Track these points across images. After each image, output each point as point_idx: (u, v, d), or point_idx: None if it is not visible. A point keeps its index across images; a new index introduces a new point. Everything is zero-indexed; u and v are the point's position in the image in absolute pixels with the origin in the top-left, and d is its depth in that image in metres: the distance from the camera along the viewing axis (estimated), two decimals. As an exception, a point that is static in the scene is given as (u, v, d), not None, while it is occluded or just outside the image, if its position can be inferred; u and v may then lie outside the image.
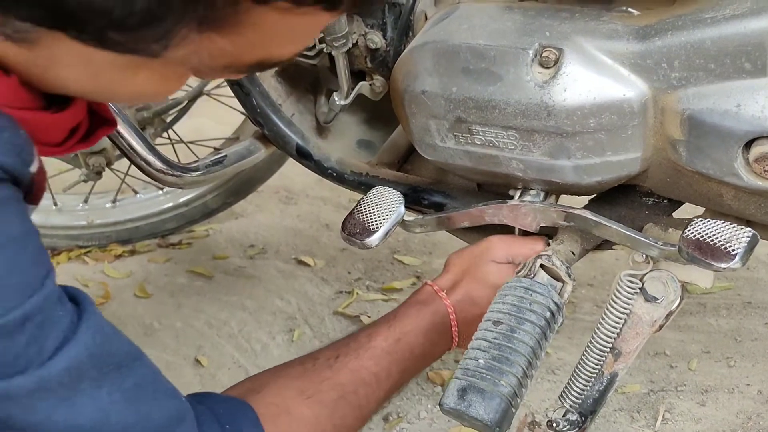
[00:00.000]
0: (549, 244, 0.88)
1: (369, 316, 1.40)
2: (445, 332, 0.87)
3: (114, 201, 1.70)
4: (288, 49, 0.54)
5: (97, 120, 0.61)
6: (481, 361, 0.76)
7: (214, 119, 2.15)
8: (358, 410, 0.78)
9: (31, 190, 0.57)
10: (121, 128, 0.91)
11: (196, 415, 0.65)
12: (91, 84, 0.54)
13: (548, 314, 0.79)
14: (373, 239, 0.90)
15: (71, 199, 1.69)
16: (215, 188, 1.70)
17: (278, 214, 1.89)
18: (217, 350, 1.35)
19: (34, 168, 0.55)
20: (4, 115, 0.52)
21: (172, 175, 0.93)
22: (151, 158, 0.92)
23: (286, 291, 1.51)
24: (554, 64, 0.75)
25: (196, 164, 0.99)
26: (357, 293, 1.48)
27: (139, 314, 1.46)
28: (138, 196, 1.72)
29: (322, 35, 0.96)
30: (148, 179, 1.66)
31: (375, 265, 1.60)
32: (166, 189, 1.71)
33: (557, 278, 0.83)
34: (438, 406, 0.77)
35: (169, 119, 1.54)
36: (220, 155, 1.02)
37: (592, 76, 0.74)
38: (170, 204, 1.72)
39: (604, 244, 0.91)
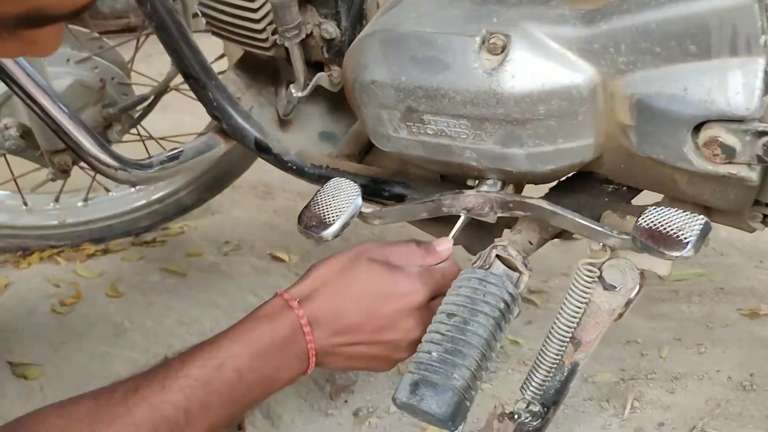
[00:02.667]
0: (419, 244, 0.82)
1: (341, 311, 1.38)
2: (295, 354, 0.74)
3: (86, 200, 1.68)
4: None
5: None
6: (434, 354, 0.75)
7: (190, 114, 2.13)
8: None
9: None
10: (68, 124, 0.89)
11: None
12: None
13: (503, 305, 0.77)
14: (329, 232, 0.88)
15: (42, 198, 1.67)
16: (189, 184, 1.68)
17: (255, 209, 1.87)
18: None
19: None
20: None
21: (123, 170, 0.92)
22: (100, 155, 0.90)
23: (260, 287, 1.50)
24: (502, 51, 0.74)
25: (150, 160, 0.97)
26: (330, 287, 1.47)
27: (109, 314, 1.45)
28: (110, 194, 1.70)
29: (274, 26, 0.94)
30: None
31: (349, 258, 1.59)
32: (139, 186, 1.69)
33: (513, 268, 0.82)
34: (392, 401, 0.76)
35: (136, 115, 1.52)
36: (176, 151, 1.00)
37: (540, 62, 0.73)
38: (143, 201, 1.70)
39: (564, 234, 0.89)
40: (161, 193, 1.69)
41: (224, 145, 1.05)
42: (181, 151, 1.00)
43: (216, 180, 1.69)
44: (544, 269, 1.47)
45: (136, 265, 1.63)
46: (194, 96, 1.55)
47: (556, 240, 1.50)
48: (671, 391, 1.10)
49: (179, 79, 1.50)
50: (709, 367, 1.14)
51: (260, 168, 1.88)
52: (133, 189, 1.69)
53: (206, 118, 1.77)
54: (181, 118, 2.06)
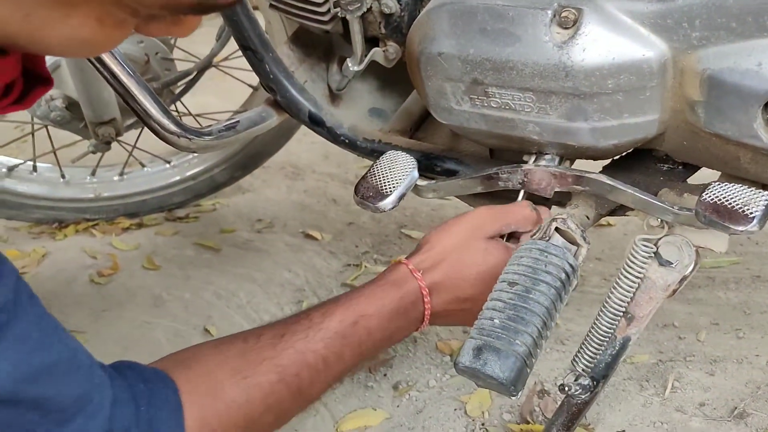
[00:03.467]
0: (534, 208, 0.87)
1: (377, 288, 1.40)
2: (415, 317, 0.81)
3: (121, 174, 1.70)
4: None
5: (33, 80, 0.56)
6: (496, 321, 0.76)
7: (220, 97, 2.15)
8: (297, 394, 0.74)
9: None
10: (136, 91, 0.91)
11: (114, 393, 0.62)
12: (22, 26, 0.47)
13: (563, 276, 0.79)
14: (387, 203, 0.90)
15: (79, 171, 1.69)
16: (222, 162, 1.70)
17: (285, 189, 1.89)
18: (226, 320, 1.35)
19: None
20: None
21: (186, 138, 0.93)
22: (165, 121, 0.92)
23: (294, 264, 1.52)
24: (573, 25, 0.75)
25: (209, 128, 0.99)
26: (365, 266, 1.48)
27: (148, 285, 1.47)
28: (145, 169, 1.72)
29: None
30: (155, 152, 1.68)
31: (382, 239, 1.61)
32: (174, 162, 1.71)
33: (572, 241, 0.83)
34: (453, 366, 0.77)
35: (177, 91, 1.54)
36: (232, 120, 1.01)
37: (612, 37, 0.74)
38: (177, 177, 1.72)
39: (618, 210, 0.91)
40: (195, 170, 1.72)
41: (277, 117, 1.07)
42: (238, 121, 1.02)
43: (248, 159, 1.71)
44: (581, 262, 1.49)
45: (171, 240, 1.65)
46: (233, 75, 1.59)
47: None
48: (711, 374, 1.11)
49: (220, 56, 1.53)
50: (748, 352, 1.15)
51: (288, 150, 1.90)
52: (167, 165, 1.71)
53: (229, 100, 1.80)
54: (206, 99, 2.08)
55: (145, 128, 0.96)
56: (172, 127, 0.92)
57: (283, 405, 0.73)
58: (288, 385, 0.72)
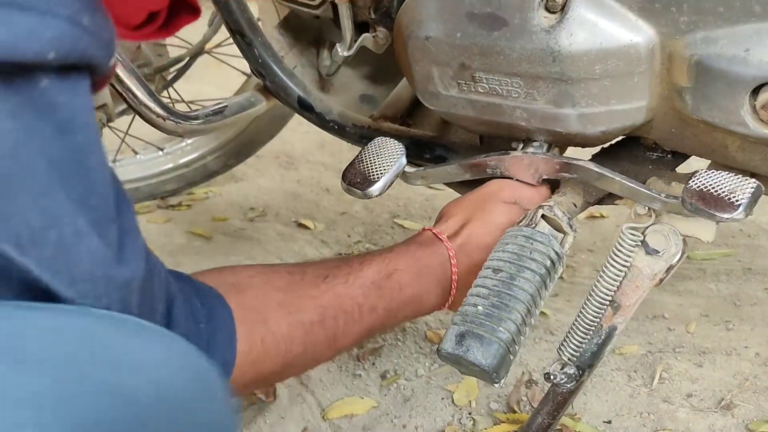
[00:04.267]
0: (552, 193, 0.87)
1: (368, 277, 1.39)
2: (442, 280, 0.81)
3: (114, 161, 1.69)
4: None
5: (178, 8, 0.54)
6: (480, 307, 0.76)
7: (213, 85, 2.14)
8: (332, 339, 0.73)
9: (99, 83, 0.49)
10: (122, 73, 0.90)
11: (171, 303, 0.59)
12: None
13: (548, 263, 0.78)
14: (374, 189, 0.89)
15: (70, 157, 1.68)
16: (215, 150, 1.69)
17: (278, 178, 1.89)
18: (216, 308, 1.34)
19: (113, 60, 0.48)
20: None
21: (172, 121, 0.92)
22: (151, 104, 0.91)
23: (286, 252, 1.51)
24: (561, 9, 0.74)
25: (196, 113, 0.98)
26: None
27: (137, 272, 1.46)
28: (138, 156, 1.71)
29: (326, -17, 0.95)
30: (148, 139, 1.67)
31: (375, 228, 1.60)
32: (166, 150, 1.70)
33: (558, 229, 0.83)
34: (436, 353, 0.77)
35: (169, 77, 1.53)
36: (220, 105, 1.01)
37: (599, 21, 0.73)
38: (170, 165, 1.71)
39: (606, 198, 0.90)
40: (188, 158, 1.71)
41: (266, 103, 1.06)
42: (225, 106, 1.01)
43: (242, 147, 1.70)
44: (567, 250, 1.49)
45: (163, 228, 1.65)
46: (226, 61, 1.58)
47: (582, 218, 1.51)
48: (699, 365, 1.11)
49: (213, 42, 1.52)
50: (737, 343, 1.15)
51: (282, 139, 1.90)
52: (160, 152, 1.70)
53: (224, 88, 1.79)
54: (201, 87, 2.07)
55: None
56: (159, 110, 0.92)
57: (318, 348, 0.72)
58: (326, 329, 0.72)
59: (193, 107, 1.60)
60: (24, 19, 0.39)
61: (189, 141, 1.69)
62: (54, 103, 0.42)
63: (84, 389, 0.42)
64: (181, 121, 0.94)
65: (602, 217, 1.56)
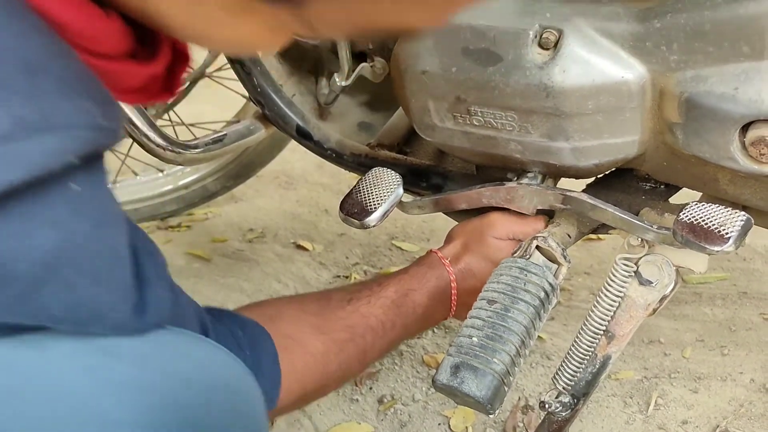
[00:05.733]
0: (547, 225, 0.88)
1: (366, 300, 1.40)
2: (446, 299, 0.88)
3: (114, 182, 1.70)
4: (425, 18, 0.48)
5: (175, 62, 0.55)
6: (474, 339, 0.76)
7: (214, 105, 2.16)
8: (362, 354, 0.80)
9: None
10: (125, 107, 0.91)
11: (216, 337, 0.64)
12: (188, 21, 0.47)
13: (542, 294, 0.79)
14: (371, 219, 0.90)
15: (71, 179, 1.69)
16: (215, 171, 1.71)
17: (277, 199, 1.90)
18: (214, 331, 1.35)
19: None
20: (90, 72, 0.46)
21: (171, 151, 0.94)
22: (151, 134, 0.92)
23: (284, 274, 1.52)
24: (554, 46, 0.76)
25: (195, 142, 0.99)
26: (354, 277, 1.49)
27: (137, 294, 1.47)
28: (138, 178, 1.72)
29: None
30: (148, 161, 1.68)
31: (373, 250, 1.61)
32: (166, 171, 1.72)
33: (552, 260, 0.84)
34: (431, 383, 0.78)
35: (170, 101, 1.55)
36: (220, 134, 1.02)
37: (591, 58, 0.75)
38: (170, 186, 1.72)
39: (600, 228, 0.91)
40: (187, 179, 1.72)
41: (265, 131, 1.07)
42: (225, 134, 1.03)
43: (241, 168, 1.71)
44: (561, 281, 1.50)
45: (162, 249, 1.62)
46: (226, 85, 1.60)
47: (579, 241, 1.52)
48: (694, 391, 1.12)
49: (213, 66, 1.53)
50: (732, 369, 1.15)
51: (282, 159, 1.91)
52: (160, 174, 1.72)
53: (224, 109, 1.81)
54: (201, 108, 2.09)
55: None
56: (159, 140, 0.93)
57: (351, 363, 0.79)
58: (356, 345, 0.79)
59: (194, 130, 1.61)
60: (52, 138, 0.43)
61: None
62: (84, 199, 0.46)
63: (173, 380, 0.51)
64: (182, 151, 0.95)
65: (599, 239, 1.57)
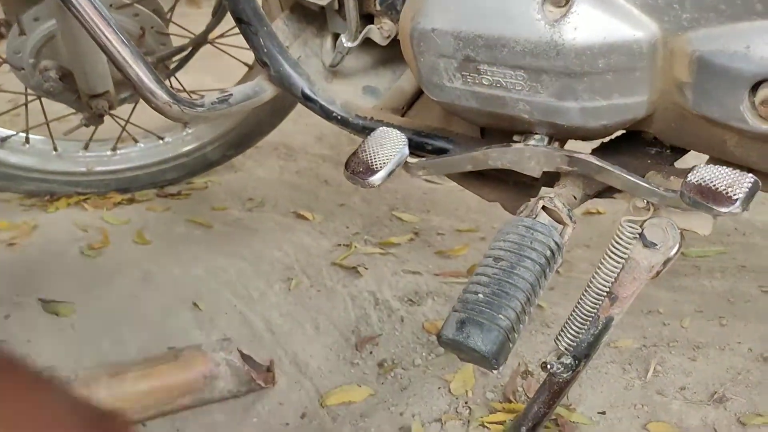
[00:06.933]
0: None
1: (366, 268, 1.41)
2: None
3: (114, 149, 1.70)
4: None
5: None
6: (480, 295, 0.77)
7: (215, 76, 2.15)
8: None
9: None
10: (129, 58, 0.91)
11: None
12: None
13: (548, 253, 0.80)
14: (376, 178, 0.90)
15: (71, 145, 1.68)
16: (215, 140, 1.71)
17: (277, 169, 1.89)
18: (215, 296, 1.36)
19: None
20: None
21: (178, 107, 0.93)
22: (157, 90, 0.92)
23: (284, 243, 1.52)
24: (566, 3, 0.75)
25: (201, 100, 0.99)
26: (355, 246, 1.49)
27: (137, 260, 1.47)
28: (138, 145, 1.72)
29: (332, -26, 0.96)
30: (149, 127, 1.68)
31: (373, 220, 1.61)
32: (167, 139, 1.71)
33: (558, 220, 0.84)
34: (436, 339, 0.78)
35: (172, 66, 1.54)
36: (226, 93, 1.01)
37: (603, 16, 0.74)
38: (170, 154, 1.72)
39: (605, 192, 0.91)
40: (188, 147, 1.72)
41: (271, 92, 1.07)
42: (231, 94, 1.02)
43: (241, 138, 1.71)
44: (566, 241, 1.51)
45: (162, 216, 1.65)
46: (229, 52, 1.59)
47: (579, 213, 1.52)
48: (693, 359, 1.13)
49: (214, 33, 1.53)
50: (731, 339, 1.16)
51: (281, 131, 1.91)
52: (161, 141, 1.71)
53: (226, 80, 1.80)
54: (201, 78, 2.08)
55: (139, 104, 0.96)
56: (164, 96, 0.92)
57: None
58: None
59: (195, 97, 1.61)
60: None
61: (189, 130, 1.70)
62: None
63: None
64: (187, 108, 0.95)
65: (599, 213, 1.58)
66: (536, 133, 0.88)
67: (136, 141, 1.72)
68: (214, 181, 1.82)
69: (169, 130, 1.71)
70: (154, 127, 1.70)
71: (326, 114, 1.06)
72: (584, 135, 0.86)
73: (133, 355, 1.18)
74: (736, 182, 0.74)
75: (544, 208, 0.83)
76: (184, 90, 1.62)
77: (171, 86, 1.57)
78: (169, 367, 1.06)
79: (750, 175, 0.74)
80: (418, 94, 1.08)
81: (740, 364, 1.11)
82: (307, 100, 1.06)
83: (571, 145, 0.93)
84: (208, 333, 1.26)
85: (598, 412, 1.04)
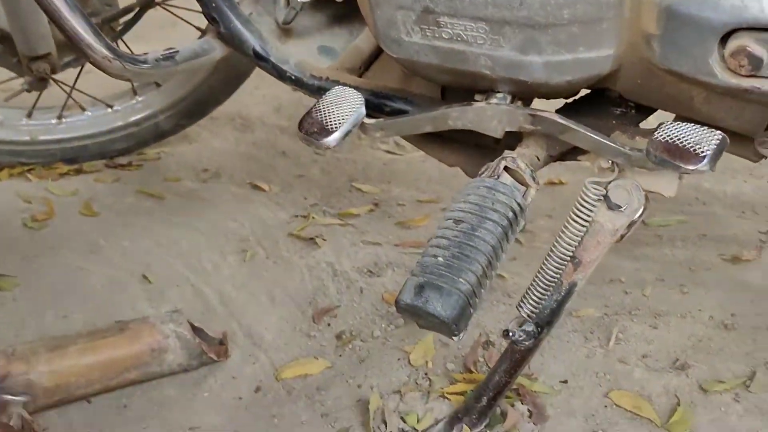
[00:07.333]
0: None
1: (325, 239, 1.37)
2: None
3: (60, 117, 1.62)
4: None
5: None
6: (440, 258, 0.73)
7: (165, 45, 2.07)
8: None
9: None
10: (66, 12, 0.84)
11: None
12: None
13: (510, 214, 0.76)
14: (331, 139, 0.86)
15: (13, 112, 1.60)
16: (167, 108, 1.64)
17: (233, 140, 1.84)
18: (167, 268, 1.30)
19: None
20: None
21: (119, 63, 0.87)
22: (94, 43, 0.86)
23: (240, 214, 1.47)
24: (529, -50, 0.72)
25: (145, 57, 0.93)
26: (313, 217, 1.45)
27: (84, 232, 1.41)
28: (86, 113, 1.64)
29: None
30: (96, 95, 1.60)
31: (332, 191, 1.57)
32: (116, 107, 1.64)
33: (521, 182, 0.81)
34: (394, 305, 0.75)
35: (118, 28, 1.47)
36: (172, 50, 0.96)
37: (569, -36, 0.71)
38: (120, 123, 1.65)
39: (569, 153, 0.88)
40: (139, 116, 1.65)
41: (220, 50, 1.02)
42: (177, 51, 0.96)
43: (195, 106, 1.65)
44: (529, 211, 1.48)
45: (111, 187, 1.59)
46: (178, 15, 1.52)
47: (541, 184, 1.51)
48: (654, 327, 1.11)
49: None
50: (692, 307, 1.15)
51: (237, 102, 1.84)
52: (109, 109, 1.64)
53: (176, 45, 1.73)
54: (152, 47, 2.00)
55: (89, 71, 0.90)
56: (103, 50, 0.86)
57: None
58: None
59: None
60: None
61: (140, 98, 1.63)
62: None
63: None
64: (129, 64, 0.89)
65: (561, 183, 1.56)
66: (498, 92, 0.85)
67: (83, 109, 1.64)
68: (167, 151, 1.75)
69: (119, 98, 1.64)
70: (103, 95, 1.62)
71: (279, 74, 1.01)
72: (548, 92, 0.82)
73: (78, 329, 1.12)
74: (704, 139, 0.71)
75: (506, 168, 0.80)
76: (131, 52, 1.55)
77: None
78: (115, 340, 1.00)
79: (718, 132, 0.71)
80: (376, 54, 1.04)
81: (701, 332, 1.10)
82: (259, 59, 1.01)
83: (535, 105, 0.90)
84: (158, 306, 1.21)
85: (560, 381, 1.02)
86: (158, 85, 1.59)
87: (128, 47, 1.55)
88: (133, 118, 1.64)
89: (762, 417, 0.95)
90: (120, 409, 1.02)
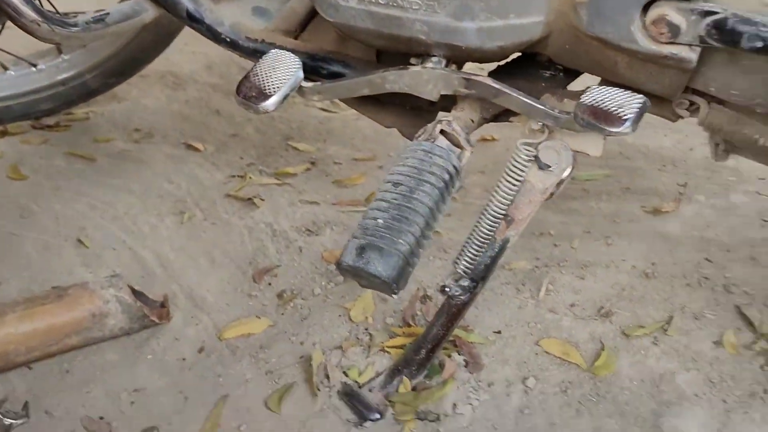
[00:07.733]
0: None
1: (262, 199, 1.37)
2: None
3: (-20, 76, 1.56)
4: None
5: None
6: (380, 221, 0.76)
7: (96, 4, 2.00)
8: None
9: None
10: (-12, -30, 0.81)
11: None
12: None
13: (447, 177, 0.79)
14: (270, 103, 0.86)
15: (-70, 72, 1.53)
16: (95, 67, 1.59)
17: (165, 99, 1.80)
18: (102, 232, 1.29)
19: None
20: None
21: (48, 26, 0.85)
22: (22, 6, 0.83)
23: (175, 175, 1.46)
24: None
25: (74, 19, 0.91)
26: (250, 177, 1.45)
27: (13, 196, 1.37)
28: (8, 72, 1.58)
29: None
30: (19, 53, 1.54)
31: (268, 150, 1.57)
32: (41, 66, 1.58)
33: (456, 144, 0.84)
34: (336, 266, 0.77)
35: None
36: (102, 12, 0.94)
37: (500, -68, 0.73)
38: (45, 82, 1.59)
39: (502, 116, 0.92)
40: (65, 75, 1.59)
41: (152, 12, 1.00)
42: (107, 13, 0.94)
43: (124, 65, 1.60)
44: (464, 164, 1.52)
45: (39, 149, 1.55)
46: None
47: (473, 140, 1.54)
48: (581, 277, 1.17)
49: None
50: (616, 257, 1.22)
51: (168, 59, 1.81)
52: (33, 69, 1.58)
53: (107, 5, 1.68)
54: (80, 4, 1.93)
55: (9, 27, 0.87)
56: (31, 14, 0.84)
57: None
58: None
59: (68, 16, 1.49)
60: None
61: (66, 57, 1.58)
62: None
63: None
64: (58, 27, 0.87)
65: (493, 140, 1.60)
66: (433, 56, 0.87)
67: (5, 68, 1.57)
68: (96, 111, 1.71)
69: (43, 57, 1.57)
70: (26, 53, 1.56)
71: (214, 36, 1.00)
72: (481, 57, 0.85)
73: (13, 297, 1.11)
74: (627, 103, 0.75)
75: (442, 132, 0.83)
76: (57, 12, 1.50)
77: (41, 6, 1.45)
78: (54, 307, 1.00)
79: (640, 96, 0.75)
80: (311, 15, 1.04)
81: (624, 281, 1.17)
82: (193, 21, 1.00)
83: (468, 69, 0.92)
84: (96, 270, 1.20)
85: (494, 332, 1.08)
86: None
87: (52, 4, 1.49)
88: (58, 78, 1.58)
89: (678, 358, 1.03)
90: (62, 374, 1.02)
